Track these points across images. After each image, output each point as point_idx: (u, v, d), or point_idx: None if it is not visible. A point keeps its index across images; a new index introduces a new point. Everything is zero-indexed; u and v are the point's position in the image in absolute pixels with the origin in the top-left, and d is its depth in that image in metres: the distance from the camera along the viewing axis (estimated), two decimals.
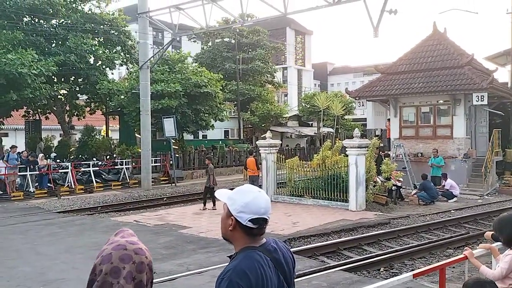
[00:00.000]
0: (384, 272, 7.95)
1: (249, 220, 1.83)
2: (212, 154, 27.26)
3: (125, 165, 21.93)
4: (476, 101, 17.32)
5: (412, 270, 7.63)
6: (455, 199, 15.52)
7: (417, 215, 12.87)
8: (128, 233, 1.48)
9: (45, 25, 22.99)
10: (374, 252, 9.02)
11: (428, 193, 14.96)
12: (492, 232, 4.58)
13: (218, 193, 1.96)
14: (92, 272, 1.37)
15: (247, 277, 1.75)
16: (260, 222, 1.84)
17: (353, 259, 8.49)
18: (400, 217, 12.58)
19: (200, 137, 33.45)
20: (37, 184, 18.67)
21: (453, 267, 7.30)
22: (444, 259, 8.16)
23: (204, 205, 13.75)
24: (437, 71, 19.07)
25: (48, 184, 18.71)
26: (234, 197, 1.88)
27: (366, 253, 9.09)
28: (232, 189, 2.02)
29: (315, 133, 38.06)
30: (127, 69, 27.20)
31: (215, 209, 13.40)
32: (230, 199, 1.88)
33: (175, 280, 6.93)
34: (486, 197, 16.65)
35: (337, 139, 17.75)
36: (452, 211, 13.74)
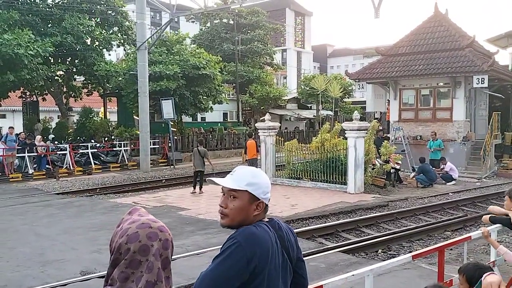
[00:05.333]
0: (382, 253, 8.00)
1: None
2: (211, 136, 27.22)
3: (124, 147, 21.89)
4: (477, 83, 17.21)
5: (410, 252, 7.67)
6: (453, 182, 15.55)
7: (415, 198, 12.91)
8: (144, 211, 1.50)
9: (41, 5, 22.64)
10: (372, 234, 9.07)
11: (426, 176, 14.98)
12: (490, 215, 4.58)
13: (225, 182, 1.86)
14: (117, 252, 1.37)
15: (256, 243, 1.73)
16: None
17: (351, 240, 8.54)
18: (399, 199, 12.63)
19: (199, 120, 33.36)
20: (35, 165, 18.65)
21: (451, 249, 7.34)
22: (441, 241, 8.20)
23: (194, 188, 13.75)
24: (438, 53, 18.91)
25: (47, 166, 18.69)
26: (255, 181, 1.85)
27: (364, 235, 9.13)
28: (226, 172, 1.98)
29: (314, 115, 37.94)
30: (125, 50, 26.91)
31: (202, 193, 13.46)
32: (251, 185, 1.83)
33: (175, 261, 6.95)
34: (484, 180, 16.69)
35: (336, 121, 17.69)
36: (450, 194, 13.78)
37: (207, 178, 1.99)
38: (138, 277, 1.34)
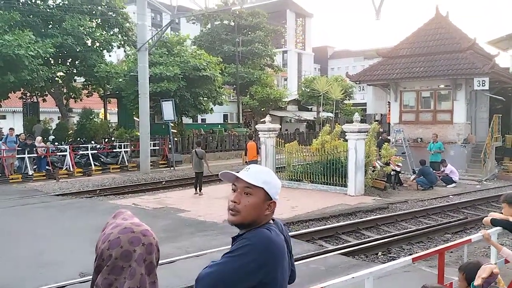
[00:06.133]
0: (382, 256, 7.98)
1: None
2: (211, 138, 27.21)
3: (124, 148, 21.86)
4: (477, 86, 17.19)
5: (410, 254, 7.65)
6: (454, 184, 15.53)
7: (415, 200, 12.89)
8: (129, 215, 1.45)
9: (42, 6, 22.65)
10: (372, 237, 9.04)
11: (426, 178, 14.96)
12: (491, 217, 4.55)
13: (244, 175, 1.81)
14: (99, 258, 1.34)
15: (270, 250, 1.70)
16: None
17: (351, 243, 8.51)
18: (399, 202, 12.61)
19: (199, 121, 33.35)
20: (35, 166, 18.62)
21: (451, 252, 7.32)
22: (442, 244, 8.18)
23: (196, 189, 13.76)
24: (439, 55, 18.90)
25: (47, 167, 18.66)
26: (270, 180, 1.84)
27: (364, 237, 9.11)
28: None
29: (314, 117, 37.93)
30: (125, 51, 26.92)
31: (201, 194, 13.48)
32: (267, 183, 1.82)
33: (174, 262, 6.94)
34: (485, 182, 16.65)
35: (336, 123, 17.67)
36: (451, 196, 13.75)
37: (220, 173, 1.92)
38: (121, 283, 1.31)
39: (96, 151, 20.92)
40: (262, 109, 35.42)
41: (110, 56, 25.93)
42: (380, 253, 8.09)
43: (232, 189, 1.84)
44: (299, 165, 15.39)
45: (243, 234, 1.78)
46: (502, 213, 4.46)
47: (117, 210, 1.49)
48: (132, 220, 1.41)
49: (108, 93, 27.23)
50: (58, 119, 27.58)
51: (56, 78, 23.92)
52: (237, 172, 1.89)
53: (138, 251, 1.33)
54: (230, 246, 1.81)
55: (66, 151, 19.39)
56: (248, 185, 1.79)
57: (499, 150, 19.99)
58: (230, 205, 1.81)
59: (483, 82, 16.94)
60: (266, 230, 1.76)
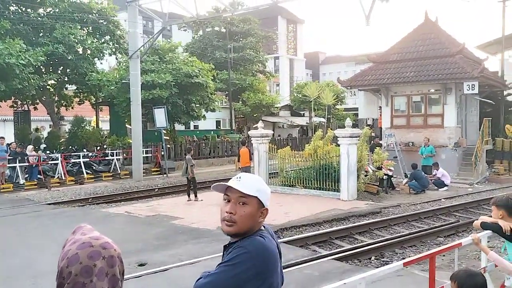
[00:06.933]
0: (375, 260, 8.01)
1: None
2: (204, 144, 27.18)
3: (116, 156, 21.77)
4: (467, 90, 17.37)
5: (403, 258, 7.68)
6: (445, 188, 15.63)
7: (408, 204, 12.95)
8: (88, 229, 1.42)
9: (32, 15, 22.59)
10: (365, 241, 9.07)
11: (418, 182, 15.05)
12: (481, 221, 4.60)
13: (239, 186, 1.81)
14: (60, 276, 1.31)
15: (267, 257, 1.73)
16: None
17: (344, 248, 8.53)
18: (391, 206, 12.66)
19: (192, 128, 33.33)
20: (26, 175, 18.48)
21: (443, 255, 7.36)
22: (434, 247, 8.23)
23: (189, 196, 13.73)
24: (429, 60, 19.09)
25: (38, 176, 18.53)
26: (262, 187, 1.85)
27: (358, 242, 9.13)
28: (219, 181, 1.96)
29: (307, 123, 38.06)
30: (117, 59, 26.88)
31: (197, 200, 13.45)
32: (260, 192, 1.83)
33: (168, 271, 6.91)
34: (476, 185, 16.79)
35: (328, 128, 17.75)
36: (443, 200, 13.84)
37: (212, 186, 1.93)
38: None
39: (88, 159, 20.81)
40: (255, 115, 35.48)
41: (101, 63, 25.87)
42: (373, 258, 8.11)
43: (225, 199, 1.84)
44: (292, 170, 15.42)
45: (236, 242, 1.79)
46: (491, 216, 4.50)
47: (77, 225, 1.46)
48: (91, 234, 1.37)
49: (100, 100, 27.12)
50: (50, 127, 27.42)
51: (47, 86, 23.81)
52: (229, 180, 1.90)
53: (98, 265, 1.29)
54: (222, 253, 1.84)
55: (58, 160, 19.27)
56: (242, 195, 1.79)
57: (489, 153, 20.17)
58: (225, 216, 1.81)
59: (473, 86, 17.13)
60: (260, 237, 1.77)
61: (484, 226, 4.46)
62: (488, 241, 5.52)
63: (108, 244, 1.35)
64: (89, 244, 1.32)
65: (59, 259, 1.36)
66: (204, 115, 26.15)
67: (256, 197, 1.81)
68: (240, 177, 1.86)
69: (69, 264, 1.30)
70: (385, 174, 14.71)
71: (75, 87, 26.06)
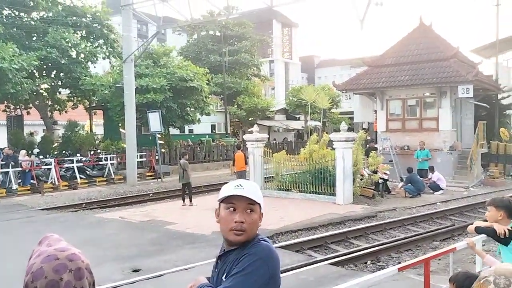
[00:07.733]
0: (371, 265, 7.96)
1: None
2: (199, 148, 27.09)
3: (110, 160, 21.62)
4: (462, 93, 17.42)
5: (399, 262, 7.64)
6: (441, 191, 15.63)
7: (403, 208, 12.92)
8: (54, 239, 1.35)
9: (25, 19, 22.47)
10: (361, 246, 9.02)
11: (414, 186, 15.04)
12: (476, 225, 4.56)
13: (246, 193, 1.79)
14: None
15: (275, 259, 1.78)
16: None
17: (340, 252, 8.48)
18: (387, 210, 12.63)
19: (187, 132, 33.23)
20: (19, 181, 18.30)
21: (439, 259, 7.32)
22: (430, 251, 8.18)
23: (183, 201, 13.63)
24: (423, 64, 19.14)
25: (31, 181, 18.34)
26: (260, 193, 1.88)
27: (353, 246, 9.08)
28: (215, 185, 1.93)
29: (302, 126, 38.07)
30: (110, 63, 26.79)
31: (192, 205, 13.38)
32: (261, 197, 1.86)
33: (162, 276, 6.83)
34: (471, 189, 16.79)
35: (324, 132, 17.73)
36: (438, 203, 13.83)
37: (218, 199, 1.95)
38: None
39: (81, 164, 20.65)
40: (250, 119, 35.45)
41: (95, 67, 25.77)
42: (369, 262, 8.06)
43: (229, 208, 1.81)
44: (287, 174, 15.36)
45: (237, 250, 1.79)
46: (487, 217, 4.46)
47: (43, 235, 1.39)
48: (57, 246, 1.31)
49: (94, 105, 27.01)
50: (43, 132, 27.25)
51: (41, 91, 23.68)
52: (224, 184, 1.92)
53: (65, 278, 1.22)
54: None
55: (51, 164, 19.11)
56: (251, 202, 1.81)
57: (484, 157, 20.22)
58: (236, 226, 1.78)
59: (467, 89, 17.17)
60: (265, 242, 1.82)
61: (479, 230, 4.42)
62: (484, 245, 5.48)
63: (75, 255, 1.28)
64: (55, 257, 1.25)
65: (26, 272, 1.27)
66: (199, 119, 26.08)
67: (259, 203, 1.84)
68: (241, 185, 1.84)
69: (34, 279, 1.23)
70: (381, 178, 14.68)
71: (69, 91, 25.93)
